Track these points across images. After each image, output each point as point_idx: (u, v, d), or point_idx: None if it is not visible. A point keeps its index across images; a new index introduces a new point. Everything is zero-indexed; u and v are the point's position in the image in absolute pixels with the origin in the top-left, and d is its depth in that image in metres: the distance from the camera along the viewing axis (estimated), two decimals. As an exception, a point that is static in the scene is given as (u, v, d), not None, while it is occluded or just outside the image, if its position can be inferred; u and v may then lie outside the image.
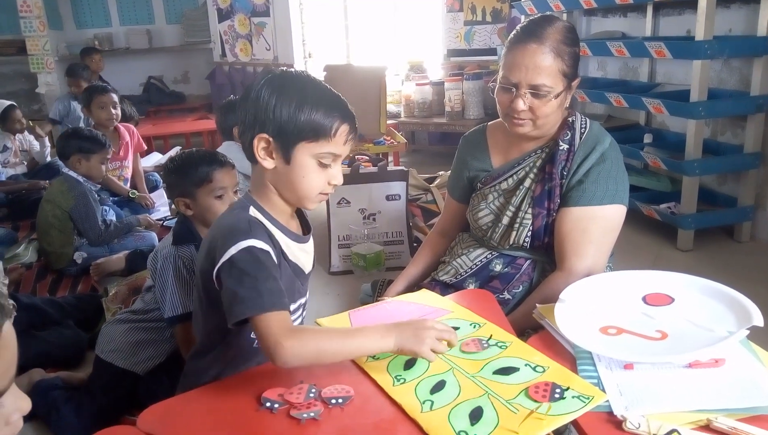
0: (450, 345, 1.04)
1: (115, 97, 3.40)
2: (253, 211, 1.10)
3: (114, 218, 3.04)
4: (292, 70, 1.12)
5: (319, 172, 1.09)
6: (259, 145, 1.07)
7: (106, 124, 3.38)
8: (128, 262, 2.64)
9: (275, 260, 1.06)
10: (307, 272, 1.20)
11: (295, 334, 0.99)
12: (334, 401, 0.97)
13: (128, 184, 3.52)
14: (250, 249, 1.02)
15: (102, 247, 2.77)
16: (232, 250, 1.02)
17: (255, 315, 0.99)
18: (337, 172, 1.11)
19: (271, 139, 1.06)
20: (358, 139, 3.68)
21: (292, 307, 1.18)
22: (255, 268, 1.02)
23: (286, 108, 1.05)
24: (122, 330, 1.72)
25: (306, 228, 1.21)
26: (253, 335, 1.14)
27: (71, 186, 2.71)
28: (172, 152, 4.45)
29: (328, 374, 1.03)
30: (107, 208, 3.03)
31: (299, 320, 1.23)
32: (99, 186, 2.86)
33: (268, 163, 1.08)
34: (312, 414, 0.94)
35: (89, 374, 1.80)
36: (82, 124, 4.35)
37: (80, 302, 2.33)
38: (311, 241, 1.22)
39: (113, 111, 3.37)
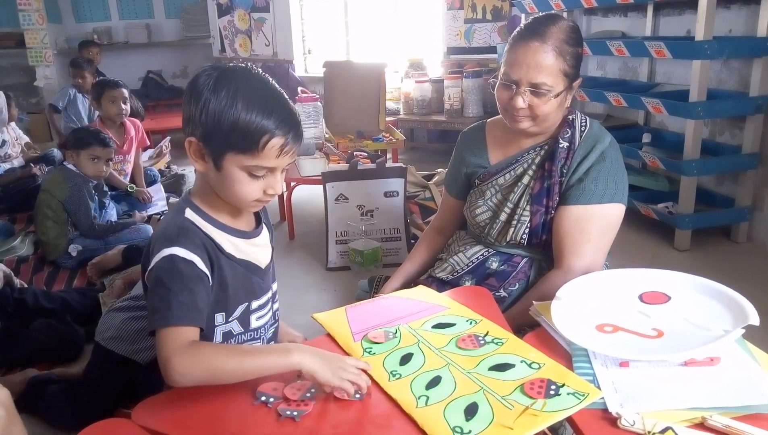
0: (360, 390, 0.97)
1: (126, 93, 3.41)
2: (188, 213, 1.06)
3: (114, 214, 3.05)
4: (235, 66, 1.04)
5: (251, 182, 1.03)
6: (190, 148, 1.03)
7: (115, 118, 3.38)
8: (124, 257, 2.64)
9: (202, 270, 1.02)
10: (263, 267, 1.17)
11: (190, 352, 0.94)
12: (358, 396, 0.97)
13: (128, 179, 3.52)
14: (171, 258, 0.99)
15: (97, 241, 2.77)
16: (156, 258, 1.01)
17: (159, 328, 0.97)
18: (274, 182, 1.04)
19: (200, 143, 1.02)
20: (357, 136, 3.68)
21: (257, 303, 1.16)
22: (171, 278, 0.99)
23: (213, 112, 0.98)
24: (123, 318, 1.70)
25: (257, 220, 1.17)
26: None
27: (66, 177, 2.74)
28: (164, 143, 4.44)
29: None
30: (107, 201, 3.02)
31: (270, 314, 1.21)
32: (94, 181, 2.85)
33: (200, 166, 1.04)
34: (295, 413, 0.93)
35: (85, 367, 1.79)
36: (83, 116, 4.37)
37: (84, 298, 2.32)
38: (264, 233, 1.18)
39: (123, 106, 3.37)
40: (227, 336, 1.14)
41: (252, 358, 0.97)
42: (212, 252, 1.05)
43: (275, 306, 1.25)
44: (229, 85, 0.98)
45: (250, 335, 1.18)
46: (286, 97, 1.04)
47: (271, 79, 1.05)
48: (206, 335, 1.10)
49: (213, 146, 1.01)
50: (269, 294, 1.20)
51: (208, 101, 0.98)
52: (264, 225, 1.20)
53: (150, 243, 1.08)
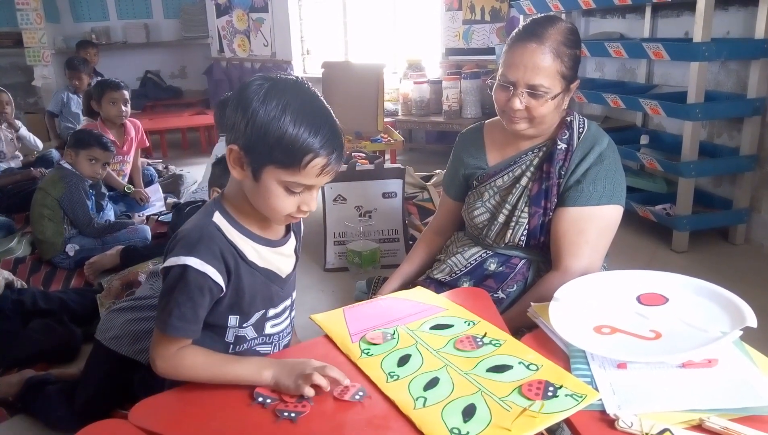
0: (335, 381, 0.98)
1: (127, 94, 3.41)
2: (216, 217, 1.06)
3: (112, 215, 3.05)
4: (287, 77, 1.02)
5: (287, 197, 1.02)
6: (231, 154, 1.02)
7: (115, 120, 3.39)
8: (123, 258, 2.64)
9: (215, 281, 1.02)
10: (284, 276, 1.16)
11: (173, 362, 1.03)
12: (357, 398, 0.97)
13: (126, 179, 3.53)
14: (185, 267, 1.00)
15: (94, 240, 2.77)
16: (172, 261, 1.02)
17: (157, 328, 1.05)
18: (309, 200, 1.04)
19: (242, 152, 1.00)
20: (355, 137, 3.68)
21: (274, 311, 1.16)
22: (179, 288, 1.01)
23: (259, 123, 0.96)
24: (126, 319, 1.68)
25: (286, 228, 1.17)
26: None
27: (62, 175, 2.76)
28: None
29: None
30: (105, 203, 3.02)
31: (287, 323, 1.21)
32: (90, 181, 2.85)
33: (237, 174, 1.03)
34: (293, 415, 0.93)
35: (84, 366, 1.77)
36: (81, 117, 4.36)
37: (82, 298, 2.32)
38: (291, 242, 1.17)
39: (123, 108, 3.37)
40: (240, 340, 1.14)
41: (227, 375, 1.02)
42: (231, 260, 1.05)
43: (293, 314, 1.24)
44: (279, 97, 0.97)
45: (263, 340, 1.17)
46: (334, 115, 1.03)
47: (320, 94, 1.04)
48: (219, 333, 1.12)
49: (254, 157, 0.99)
50: (287, 302, 1.19)
51: (256, 112, 0.96)
52: (293, 233, 1.18)
53: (175, 236, 1.08)
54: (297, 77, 1.04)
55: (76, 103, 4.45)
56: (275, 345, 1.20)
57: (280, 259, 1.14)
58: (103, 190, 3.05)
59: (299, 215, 1.06)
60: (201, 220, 1.07)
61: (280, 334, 1.20)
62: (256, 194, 1.03)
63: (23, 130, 4.06)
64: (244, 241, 1.08)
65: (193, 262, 1.00)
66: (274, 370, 1.01)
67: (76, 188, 2.72)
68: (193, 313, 1.02)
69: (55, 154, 4.08)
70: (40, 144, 4.16)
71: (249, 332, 1.14)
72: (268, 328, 1.17)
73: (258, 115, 0.96)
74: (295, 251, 1.20)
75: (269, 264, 1.12)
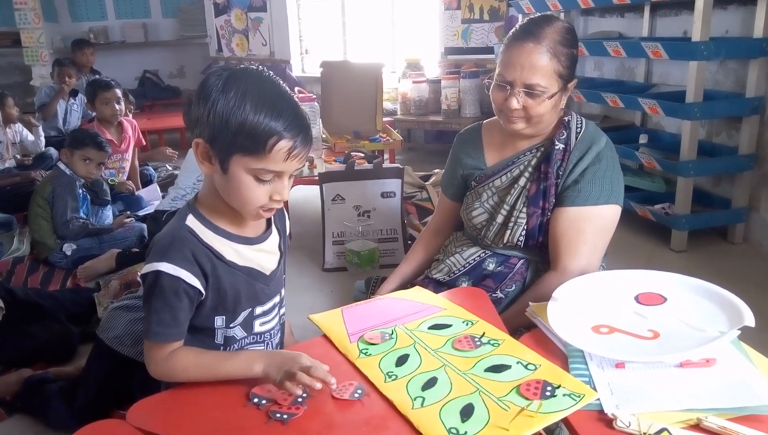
0: (323, 381, 0.97)
1: (119, 93, 3.41)
2: (190, 220, 1.06)
3: (110, 215, 3.05)
4: (246, 67, 1.03)
5: (257, 187, 1.01)
6: (197, 149, 1.02)
7: (110, 119, 3.40)
8: (118, 263, 2.63)
9: (190, 284, 1.02)
10: (269, 273, 1.15)
11: (165, 366, 1.04)
12: (357, 395, 0.97)
13: (125, 177, 3.54)
14: (158, 274, 1.01)
15: (91, 240, 2.77)
16: (146, 269, 1.03)
17: (143, 335, 1.07)
18: (281, 188, 1.03)
19: (207, 145, 1.00)
20: (354, 137, 3.67)
21: (261, 309, 1.15)
22: (155, 295, 1.02)
23: (220, 113, 0.96)
24: (130, 318, 1.67)
25: (267, 224, 1.16)
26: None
27: (54, 176, 2.80)
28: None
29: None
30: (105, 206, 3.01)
31: (276, 320, 1.20)
32: (82, 181, 2.85)
33: (206, 169, 1.03)
34: (285, 417, 0.93)
35: (83, 366, 1.77)
36: (59, 117, 4.34)
37: (77, 296, 2.32)
38: (272, 238, 1.16)
39: (117, 107, 3.38)
40: (230, 341, 1.14)
41: (219, 372, 1.03)
42: (207, 262, 1.04)
43: (282, 311, 1.24)
44: (238, 86, 0.97)
45: (254, 339, 1.17)
46: (296, 100, 1.03)
47: (282, 82, 1.04)
48: (208, 335, 1.11)
49: (220, 148, 0.99)
50: (276, 299, 1.19)
51: (216, 102, 0.97)
52: (276, 230, 1.18)
53: (151, 243, 1.08)
54: (257, 66, 1.05)
55: (59, 104, 4.41)
56: (267, 343, 1.20)
57: (262, 256, 1.14)
58: (105, 187, 3.04)
59: (271, 206, 1.05)
60: (174, 225, 1.07)
61: (271, 332, 1.20)
62: (227, 187, 1.03)
63: (39, 129, 4.06)
64: (220, 241, 1.07)
65: (166, 267, 1.01)
66: (264, 362, 1.01)
67: (62, 189, 2.75)
68: (172, 318, 1.03)
69: (53, 151, 4.07)
70: (41, 148, 4.16)
71: (238, 332, 1.14)
72: (257, 327, 1.16)
73: (218, 105, 0.97)
74: (280, 248, 1.19)
75: (250, 262, 1.11)
